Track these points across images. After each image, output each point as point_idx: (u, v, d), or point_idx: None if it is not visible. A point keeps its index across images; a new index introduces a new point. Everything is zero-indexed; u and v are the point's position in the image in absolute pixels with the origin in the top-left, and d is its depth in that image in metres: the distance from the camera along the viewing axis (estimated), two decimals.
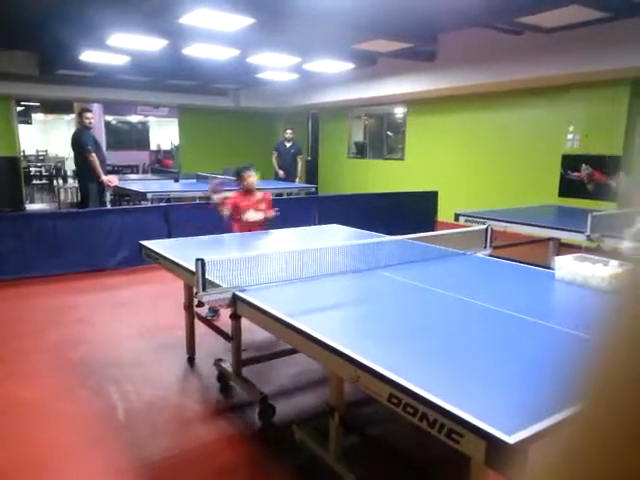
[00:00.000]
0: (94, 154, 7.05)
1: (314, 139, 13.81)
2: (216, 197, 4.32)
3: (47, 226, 5.79)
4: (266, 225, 4.41)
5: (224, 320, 3.53)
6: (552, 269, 2.80)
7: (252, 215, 4.28)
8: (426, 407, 1.39)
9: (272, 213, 4.40)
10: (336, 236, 4.22)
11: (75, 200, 10.98)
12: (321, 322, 2.08)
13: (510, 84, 7.77)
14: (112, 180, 7.37)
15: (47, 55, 8.92)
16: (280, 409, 2.89)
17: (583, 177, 7.65)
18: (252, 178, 4.36)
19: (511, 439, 1.20)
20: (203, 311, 3.86)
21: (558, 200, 7.70)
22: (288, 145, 9.99)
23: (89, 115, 7.22)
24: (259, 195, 4.42)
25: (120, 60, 8.19)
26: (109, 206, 7.88)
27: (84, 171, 7.21)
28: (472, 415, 1.30)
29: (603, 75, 6.70)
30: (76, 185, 9.07)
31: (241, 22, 5.75)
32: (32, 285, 5.44)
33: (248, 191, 4.36)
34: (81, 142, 7.10)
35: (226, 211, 4.23)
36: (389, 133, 11.93)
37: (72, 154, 7.59)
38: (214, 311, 4.23)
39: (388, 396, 1.51)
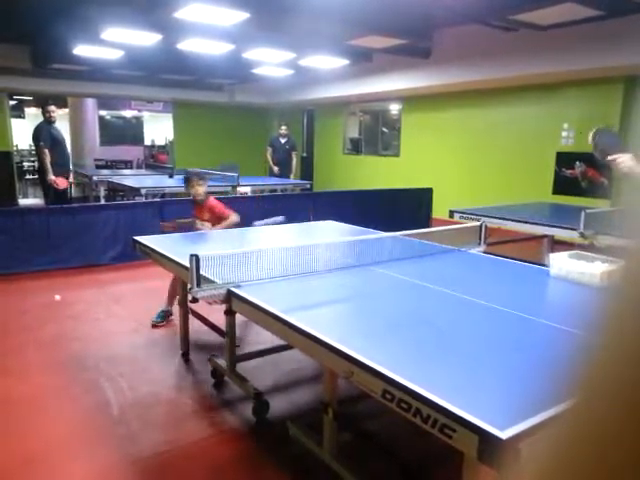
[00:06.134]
0: (46, 150, 6.90)
1: (309, 135, 13.78)
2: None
3: (40, 221, 5.75)
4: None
5: (218, 316, 3.52)
6: (546, 266, 2.81)
7: (199, 225, 4.12)
8: (419, 402, 1.39)
9: (228, 220, 4.10)
10: (331, 232, 4.22)
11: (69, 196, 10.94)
12: (315, 318, 2.08)
13: (505, 81, 7.78)
14: (59, 183, 7.05)
15: (41, 49, 8.84)
16: (274, 405, 2.89)
17: (577, 174, 7.68)
18: (194, 189, 4.11)
19: (504, 434, 1.21)
20: (201, 306, 3.84)
21: (552, 197, 7.73)
22: (283, 141, 9.97)
23: (51, 108, 7.06)
24: (204, 204, 4.19)
25: (114, 54, 8.14)
26: (99, 202, 7.83)
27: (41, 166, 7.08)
28: (465, 410, 1.30)
29: (597, 73, 6.72)
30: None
31: (236, 17, 5.73)
32: (25, 281, 5.41)
33: (196, 200, 4.19)
34: (35, 137, 7.00)
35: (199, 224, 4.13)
36: (384, 129, 11.92)
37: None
38: (162, 317, 4.17)
39: (382, 392, 1.51)
